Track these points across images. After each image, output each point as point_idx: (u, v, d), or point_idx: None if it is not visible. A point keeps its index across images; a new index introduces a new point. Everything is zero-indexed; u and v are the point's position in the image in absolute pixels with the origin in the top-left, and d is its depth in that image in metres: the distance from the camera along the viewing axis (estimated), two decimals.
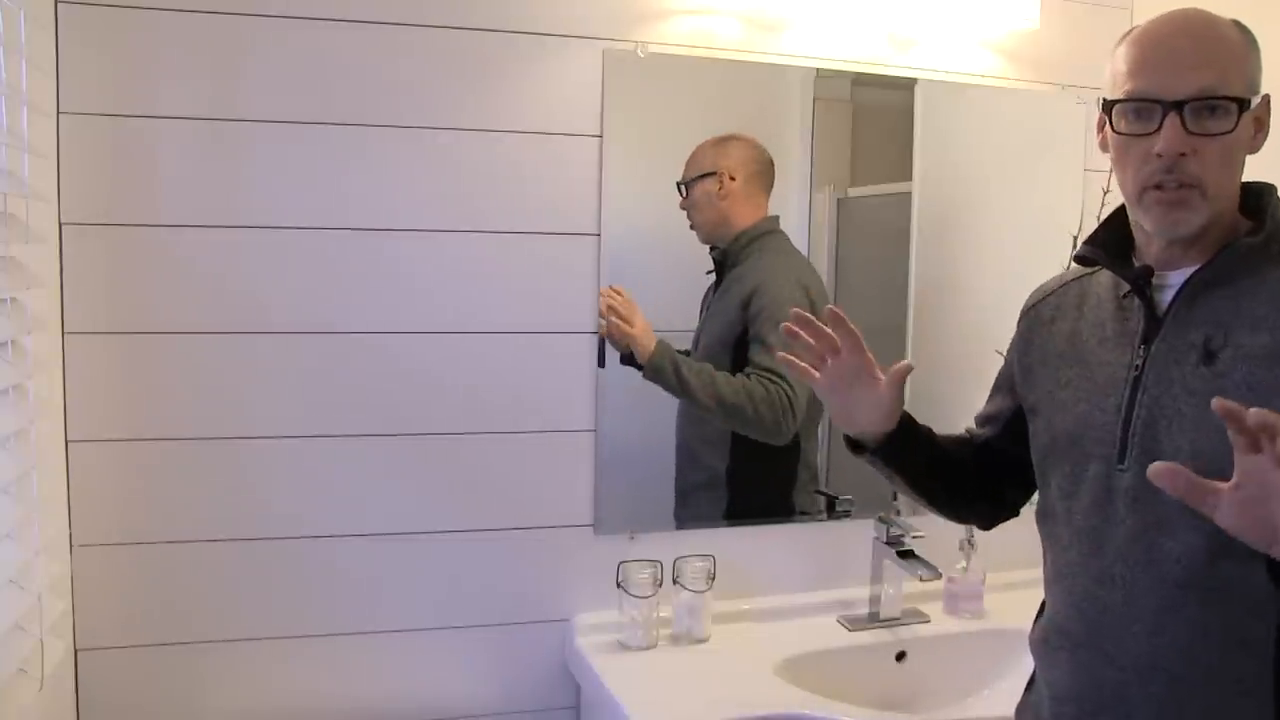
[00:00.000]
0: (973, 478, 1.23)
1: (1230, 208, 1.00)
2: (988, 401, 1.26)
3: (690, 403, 1.68)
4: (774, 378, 1.67)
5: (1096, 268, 1.10)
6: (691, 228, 1.70)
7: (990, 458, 1.22)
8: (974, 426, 1.27)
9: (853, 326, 1.11)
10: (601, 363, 1.63)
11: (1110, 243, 1.07)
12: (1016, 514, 1.25)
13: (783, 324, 1.12)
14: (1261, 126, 0.99)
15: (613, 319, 1.62)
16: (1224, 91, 0.94)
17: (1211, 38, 0.97)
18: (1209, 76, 0.94)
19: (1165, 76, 0.95)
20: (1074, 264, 1.14)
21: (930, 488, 1.22)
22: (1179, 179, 0.95)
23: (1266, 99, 0.99)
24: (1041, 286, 1.19)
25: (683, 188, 1.69)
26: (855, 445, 1.18)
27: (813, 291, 1.73)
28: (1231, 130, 0.95)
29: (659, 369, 1.65)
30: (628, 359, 1.65)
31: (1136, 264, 1.04)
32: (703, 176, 1.69)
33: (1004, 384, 1.23)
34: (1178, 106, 0.94)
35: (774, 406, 1.67)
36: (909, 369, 1.12)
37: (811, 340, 1.11)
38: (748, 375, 1.68)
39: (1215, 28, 0.98)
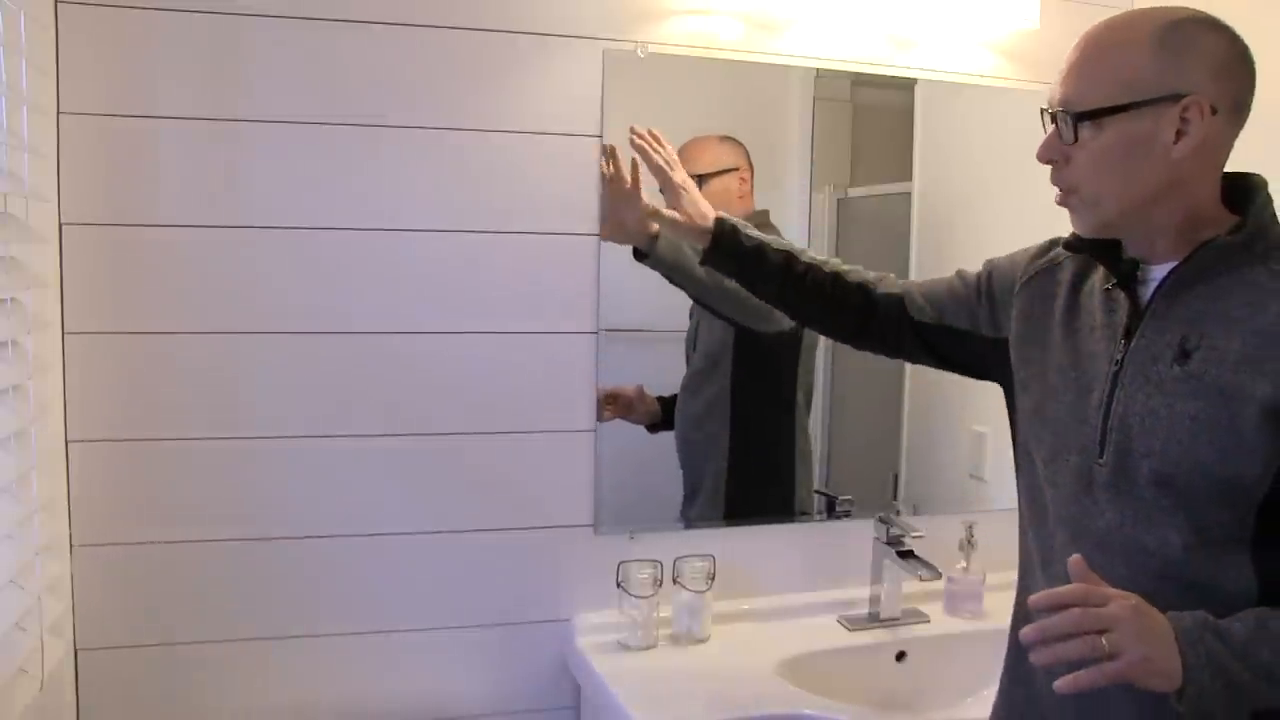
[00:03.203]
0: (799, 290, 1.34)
1: (1175, 207, 0.98)
2: (940, 286, 1.28)
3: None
4: None
5: None
6: None
7: (891, 314, 1.29)
8: (897, 280, 1.33)
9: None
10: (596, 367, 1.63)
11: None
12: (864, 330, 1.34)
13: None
14: (1187, 130, 0.94)
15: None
16: (1078, 106, 0.97)
17: (1094, 48, 0.98)
18: (1067, 89, 0.99)
19: (1053, 87, 1.01)
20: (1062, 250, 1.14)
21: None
22: (1057, 184, 1.03)
23: (1186, 101, 0.94)
24: (1043, 254, 1.19)
25: (699, 181, 1.68)
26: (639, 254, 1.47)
27: None
28: (1075, 141, 0.98)
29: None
30: (640, 255, 1.58)
31: (1125, 257, 1.05)
32: (725, 172, 1.70)
33: (970, 300, 1.24)
34: (1052, 117, 1.00)
35: None
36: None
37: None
38: None
39: (1106, 35, 0.98)
